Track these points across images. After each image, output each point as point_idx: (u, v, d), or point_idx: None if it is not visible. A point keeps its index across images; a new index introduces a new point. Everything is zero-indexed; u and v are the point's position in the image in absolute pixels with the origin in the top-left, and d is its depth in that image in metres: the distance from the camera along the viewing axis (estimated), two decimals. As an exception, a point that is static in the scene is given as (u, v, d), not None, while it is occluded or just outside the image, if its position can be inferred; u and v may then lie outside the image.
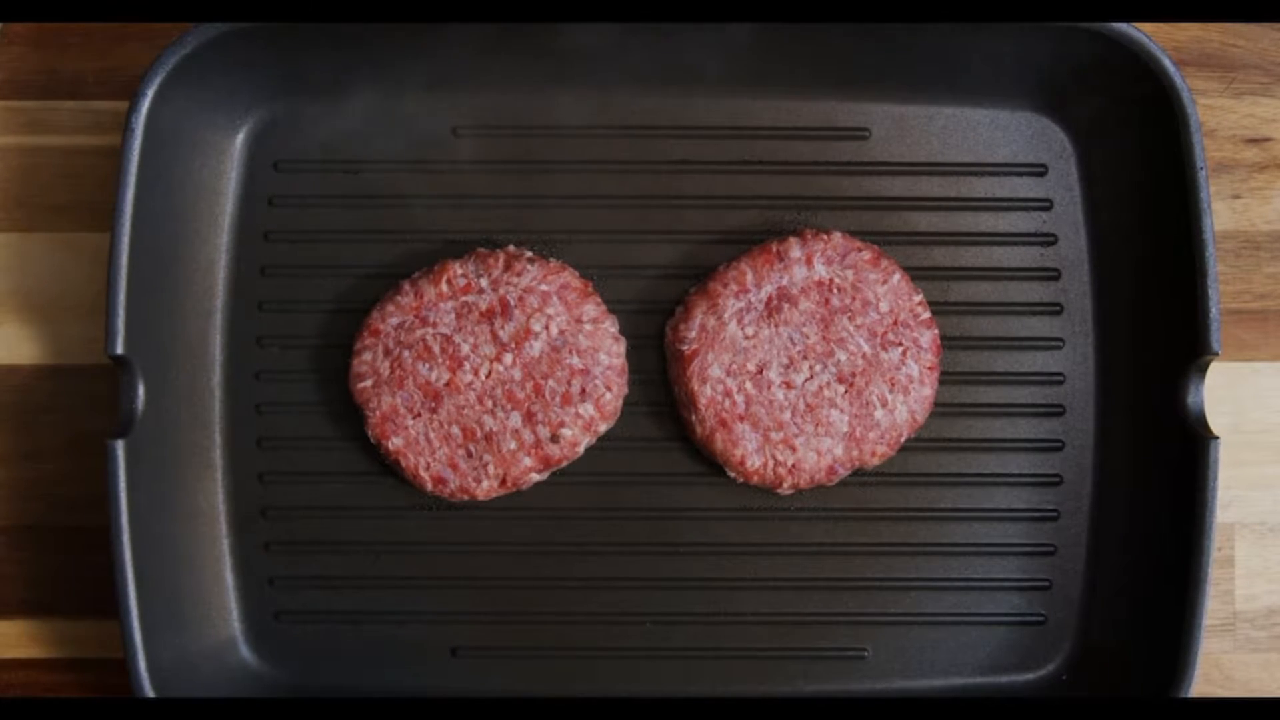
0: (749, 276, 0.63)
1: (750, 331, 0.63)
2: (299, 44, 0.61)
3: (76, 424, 0.66)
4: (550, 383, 0.62)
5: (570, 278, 0.63)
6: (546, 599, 0.64)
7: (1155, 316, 0.63)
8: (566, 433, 0.62)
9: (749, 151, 0.65)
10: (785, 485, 0.63)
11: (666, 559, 0.64)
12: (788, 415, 0.63)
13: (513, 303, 0.62)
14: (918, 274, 0.65)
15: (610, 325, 0.63)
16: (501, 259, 0.63)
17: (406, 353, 0.62)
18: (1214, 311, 0.59)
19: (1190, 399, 0.60)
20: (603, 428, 0.63)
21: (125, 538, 0.58)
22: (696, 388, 0.62)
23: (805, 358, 0.63)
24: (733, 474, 0.63)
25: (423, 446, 0.62)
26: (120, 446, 0.58)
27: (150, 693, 0.58)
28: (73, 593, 0.66)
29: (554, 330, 0.62)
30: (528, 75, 0.64)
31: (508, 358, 0.62)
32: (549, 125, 0.65)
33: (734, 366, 0.63)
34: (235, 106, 0.64)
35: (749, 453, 0.63)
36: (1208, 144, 0.63)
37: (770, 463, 0.63)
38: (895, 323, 0.63)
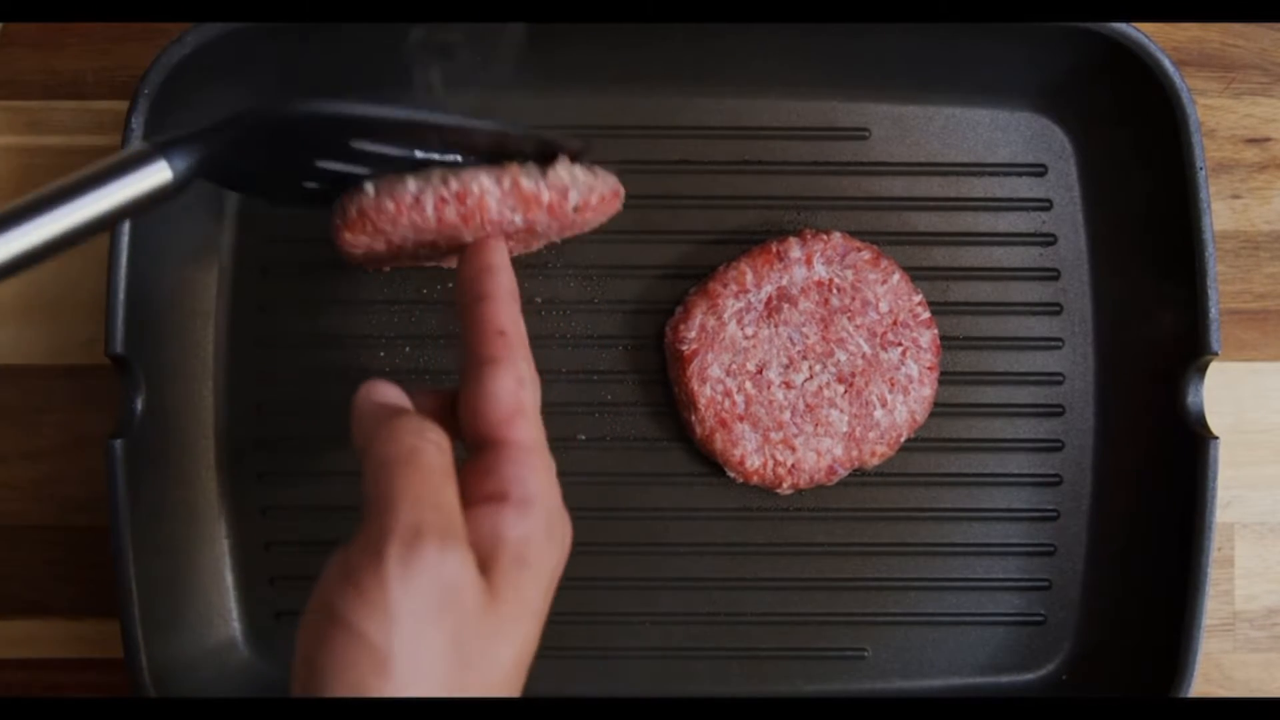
0: (749, 276, 0.63)
1: (750, 331, 0.63)
2: (299, 44, 0.61)
3: (76, 424, 0.66)
4: None
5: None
6: (546, 599, 0.64)
7: (1155, 316, 0.63)
8: None
9: (749, 151, 0.65)
10: (785, 485, 0.63)
11: (666, 559, 0.64)
12: (787, 415, 0.63)
13: None
14: (917, 274, 0.65)
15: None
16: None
17: None
18: (1214, 311, 0.59)
19: (1190, 399, 0.60)
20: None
21: (125, 538, 0.58)
22: (696, 388, 0.62)
23: (805, 358, 0.63)
24: (732, 474, 0.63)
25: None
26: (120, 446, 0.58)
27: (150, 693, 0.58)
28: (73, 593, 0.66)
29: None
30: (528, 75, 0.64)
31: None
32: (549, 125, 0.65)
33: (734, 366, 0.63)
34: (235, 106, 0.64)
35: (749, 453, 0.63)
36: (1207, 144, 0.63)
37: (770, 463, 0.63)
38: (895, 323, 0.63)
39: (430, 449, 0.41)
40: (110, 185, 0.44)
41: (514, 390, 0.43)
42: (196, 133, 0.46)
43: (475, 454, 0.44)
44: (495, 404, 0.43)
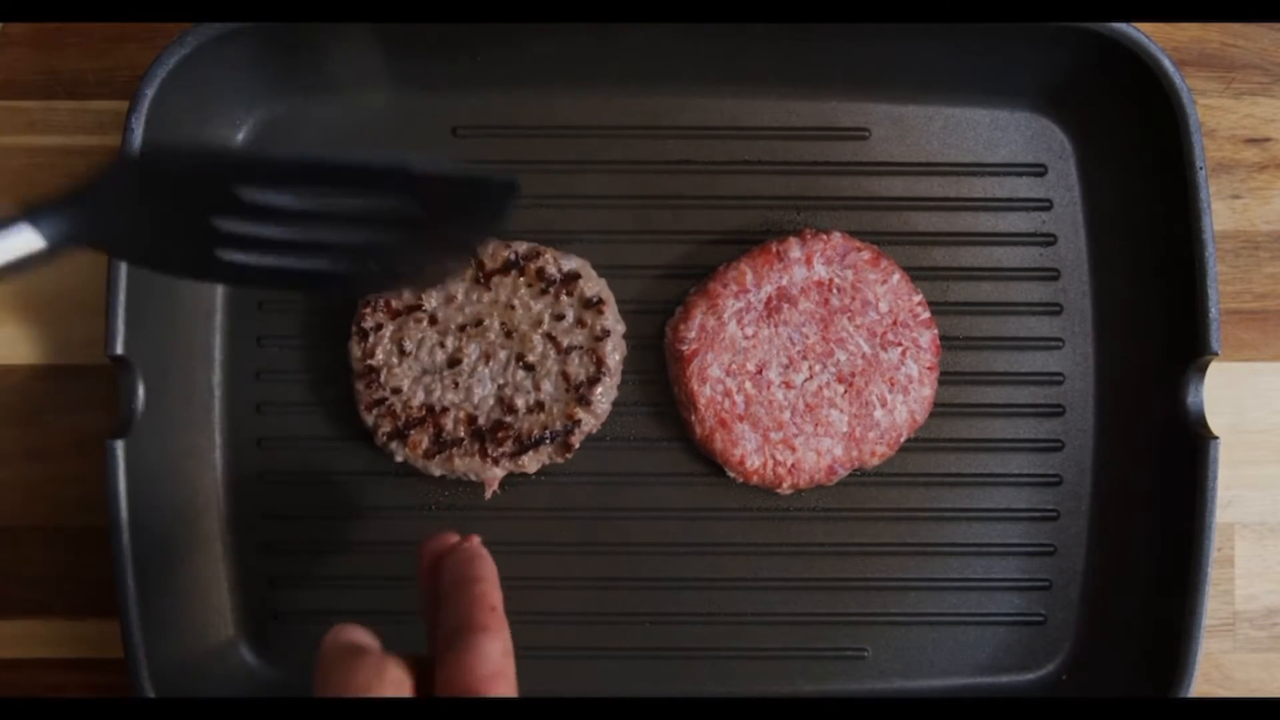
0: (749, 276, 0.63)
1: (750, 331, 0.63)
2: (299, 44, 0.61)
3: (77, 424, 0.66)
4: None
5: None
6: (546, 599, 0.64)
7: (1155, 316, 0.63)
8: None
9: (749, 151, 0.65)
10: (785, 485, 0.63)
11: (666, 559, 0.64)
12: (787, 415, 0.63)
13: None
14: (917, 274, 0.65)
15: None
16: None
17: None
18: (1214, 311, 0.59)
19: (1190, 399, 0.60)
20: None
21: (125, 538, 0.58)
22: (696, 388, 0.62)
23: (805, 358, 0.63)
24: (733, 474, 0.63)
25: None
26: (120, 446, 0.58)
27: (150, 693, 0.58)
28: (73, 593, 0.66)
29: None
30: (528, 75, 0.64)
31: None
32: (549, 125, 0.65)
33: (734, 366, 0.63)
34: (235, 106, 0.64)
35: (749, 453, 0.63)
36: (1207, 144, 0.63)
37: (770, 463, 0.63)
38: (895, 323, 0.63)
39: (389, 689, 0.44)
40: None
41: (501, 655, 0.48)
42: (65, 194, 0.45)
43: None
44: (486, 661, 0.47)
